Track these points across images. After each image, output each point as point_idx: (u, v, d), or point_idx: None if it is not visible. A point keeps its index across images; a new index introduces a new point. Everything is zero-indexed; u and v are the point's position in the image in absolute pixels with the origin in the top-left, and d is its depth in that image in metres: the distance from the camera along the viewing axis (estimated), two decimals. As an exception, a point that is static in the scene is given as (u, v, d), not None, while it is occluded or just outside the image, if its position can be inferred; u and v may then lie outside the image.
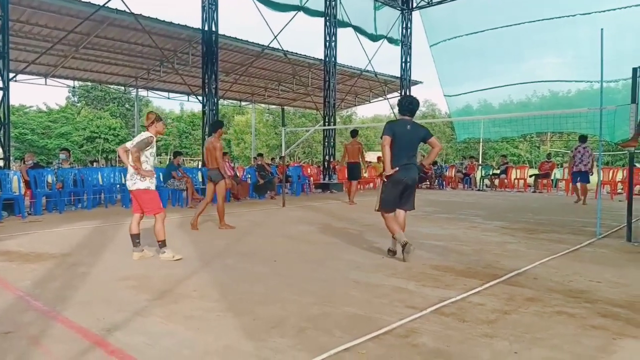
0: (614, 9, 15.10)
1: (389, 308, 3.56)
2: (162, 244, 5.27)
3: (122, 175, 11.41)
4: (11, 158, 10.24)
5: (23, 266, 4.90)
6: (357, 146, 11.89)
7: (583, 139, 11.71)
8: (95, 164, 41.69)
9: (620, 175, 15.42)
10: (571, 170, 11.99)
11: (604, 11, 15.27)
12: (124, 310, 3.48)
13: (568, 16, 16.07)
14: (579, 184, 11.87)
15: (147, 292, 3.97)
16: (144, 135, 5.24)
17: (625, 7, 14.83)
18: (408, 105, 5.36)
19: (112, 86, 25.65)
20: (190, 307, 3.58)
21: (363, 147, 12.60)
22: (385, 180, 5.25)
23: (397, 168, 5.13)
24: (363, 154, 12.15)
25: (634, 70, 6.32)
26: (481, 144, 23.92)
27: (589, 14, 15.58)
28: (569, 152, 12.75)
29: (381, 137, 5.28)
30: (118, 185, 11.27)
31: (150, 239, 5.61)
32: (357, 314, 3.43)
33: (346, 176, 12.94)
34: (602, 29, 6.54)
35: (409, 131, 5.20)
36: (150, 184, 5.24)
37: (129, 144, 5.31)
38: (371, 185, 18.37)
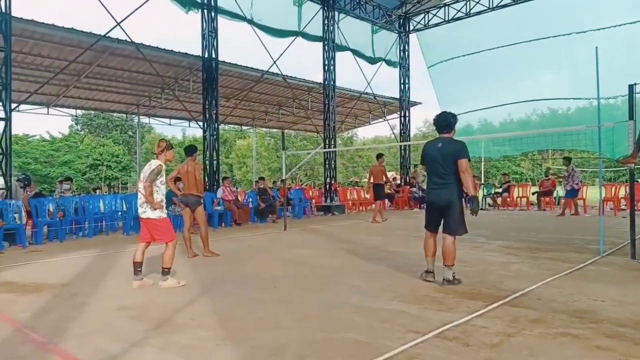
0: (609, 27, 15.28)
1: (391, 333, 3.50)
2: (167, 271, 5.24)
3: (124, 203, 11.44)
4: (15, 184, 10.23)
5: (22, 297, 4.86)
6: (380, 168, 12.71)
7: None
8: (98, 191, 41.84)
9: (623, 191, 15.36)
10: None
11: (598, 29, 15.45)
12: (122, 341, 3.43)
13: (564, 35, 16.27)
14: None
15: (146, 321, 3.92)
16: (153, 164, 5.26)
17: (619, 25, 15.02)
18: (438, 121, 5.24)
19: (114, 114, 25.87)
20: (188, 336, 3.53)
21: (385, 168, 13.49)
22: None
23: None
24: (386, 175, 13.10)
25: (630, 87, 6.35)
26: (482, 162, 23.88)
27: (585, 32, 15.76)
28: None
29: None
30: (119, 213, 11.27)
31: (153, 267, 5.58)
32: (359, 339, 3.37)
33: (373, 197, 13.82)
34: (596, 47, 6.60)
35: (439, 149, 5.03)
36: (161, 212, 5.28)
37: (141, 176, 5.35)
38: (373, 206, 18.27)
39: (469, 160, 5.00)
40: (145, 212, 5.25)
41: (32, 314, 4.22)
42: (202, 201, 7.46)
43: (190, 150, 7.62)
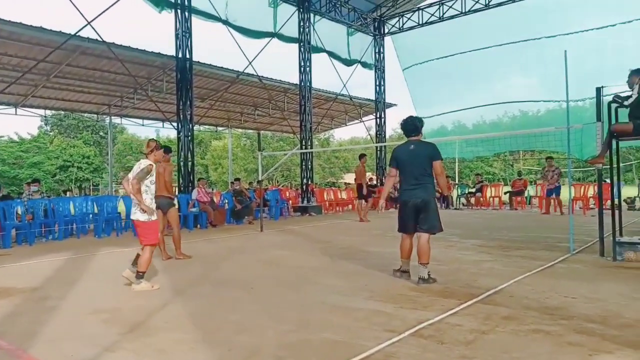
0: (578, 32, 15.71)
1: (368, 332, 3.52)
2: (142, 275, 5.16)
3: (95, 205, 11.20)
4: None
5: (-12, 302, 4.71)
6: (361, 168, 13.14)
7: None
8: (68, 193, 40.85)
9: (591, 191, 15.79)
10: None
11: (568, 34, 15.87)
12: (94, 346, 3.35)
13: (534, 39, 16.65)
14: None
15: (118, 325, 3.84)
16: (143, 164, 5.23)
17: (588, 30, 15.47)
18: (405, 125, 5.34)
19: (85, 114, 25.31)
20: (162, 339, 3.48)
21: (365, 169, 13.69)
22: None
23: (383, 201, 5.56)
24: (364, 175, 13.38)
25: (597, 90, 6.54)
26: (457, 163, 24.27)
27: (554, 36, 16.17)
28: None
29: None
30: (91, 215, 11.03)
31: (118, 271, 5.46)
32: (336, 339, 3.38)
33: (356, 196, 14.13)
34: (565, 51, 6.77)
35: (412, 151, 5.16)
36: (150, 215, 5.24)
37: (130, 175, 5.30)
38: (349, 207, 18.39)
39: (442, 160, 5.20)
40: (135, 213, 5.24)
41: (0, 319, 4.09)
42: (174, 203, 7.33)
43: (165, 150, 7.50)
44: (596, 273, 5.52)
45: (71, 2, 11.21)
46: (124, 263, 6.01)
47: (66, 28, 12.68)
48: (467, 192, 18.88)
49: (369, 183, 20.45)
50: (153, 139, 5.75)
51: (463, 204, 18.17)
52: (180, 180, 13.60)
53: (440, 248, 7.62)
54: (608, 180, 7.23)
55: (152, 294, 4.91)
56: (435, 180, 5.20)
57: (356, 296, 4.62)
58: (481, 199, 17.68)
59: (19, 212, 9.82)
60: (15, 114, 18.89)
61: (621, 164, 9.09)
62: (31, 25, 11.70)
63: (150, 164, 5.24)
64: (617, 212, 6.90)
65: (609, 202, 7.97)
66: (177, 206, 7.43)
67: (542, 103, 17.59)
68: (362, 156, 13.45)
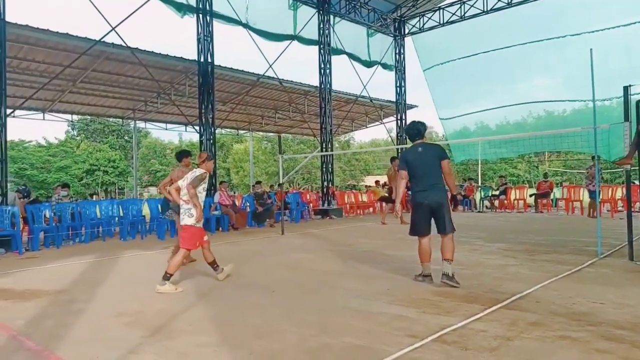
0: (603, 29, 15.35)
1: (389, 337, 3.48)
2: (169, 277, 5.23)
3: (121, 208, 11.39)
4: (14, 196, 10.17)
5: (17, 304, 4.82)
6: (393, 172, 12.68)
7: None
8: (95, 196, 41.69)
9: (619, 193, 15.40)
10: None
11: (592, 32, 15.52)
12: (118, 348, 3.40)
13: (558, 37, 16.34)
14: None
15: (142, 328, 3.89)
16: (198, 172, 5.45)
17: (613, 27, 15.10)
18: (409, 130, 5.44)
19: (110, 119, 25.84)
20: (184, 342, 3.50)
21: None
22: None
23: (399, 205, 5.56)
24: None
25: (625, 88, 6.37)
26: (479, 165, 23.95)
27: (579, 34, 15.83)
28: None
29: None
30: (116, 218, 11.23)
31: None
32: (357, 344, 3.35)
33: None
34: (591, 49, 6.62)
35: (421, 153, 5.23)
36: (195, 221, 5.40)
37: (180, 183, 5.52)
38: (370, 210, 18.30)
39: (449, 160, 5.27)
40: (183, 219, 5.42)
41: (28, 321, 4.19)
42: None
43: (178, 155, 7.55)
44: (625, 278, 5.35)
45: (96, 8, 11.47)
46: (147, 266, 6.11)
47: (91, 34, 12.96)
48: (490, 194, 18.59)
49: (390, 185, 20.41)
50: (205, 151, 6.08)
51: (487, 207, 17.89)
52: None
53: (464, 252, 7.51)
54: (637, 182, 7.02)
55: (175, 297, 4.95)
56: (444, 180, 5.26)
57: (377, 300, 4.58)
58: (505, 201, 17.38)
59: (47, 215, 10.05)
60: (43, 119, 19.44)
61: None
62: (58, 32, 12.00)
63: (204, 172, 5.47)
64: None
65: (637, 204, 7.74)
66: None
67: (568, 103, 17.23)
68: (393, 159, 13.07)
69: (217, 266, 5.66)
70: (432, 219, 5.22)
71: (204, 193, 5.59)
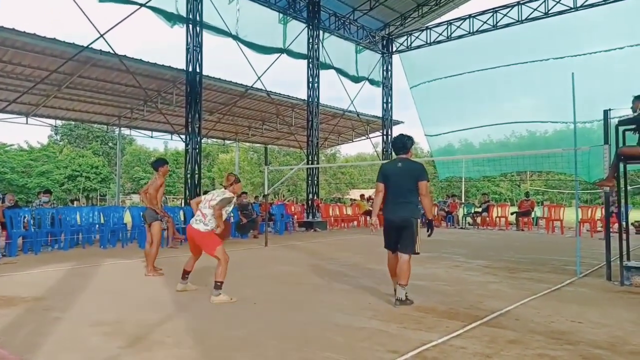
0: (585, 54, 15.78)
1: (370, 353, 3.48)
2: (219, 285, 5.25)
3: (102, 215, 11.24)
4: None
5: (-8, 311, 4.71)
6: None
7: None
8: (75, 202, 41.00)
9: (599, 213, 15.66)
10: None
11: (575, 55, 15.95)
12: (95, 359, 3.34)
13: (541, 60, 16.74)
14: None
15: (120, 338, 3.82)
16: (227, 194, 5.52)
17: (595, 52, 15.53)
18: (395, 142, 5.36)
19: (95, 125, 25.59)
20: (163, 354, 3.45)
21: None
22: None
23: (375, 218, 5.36)
24: None
25: (605, 112, 6.53)
26: (463, 182, 24.20)
27: (562, 58, 16.25)
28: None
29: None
30: (97, 225, 11.07)
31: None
32: (338, 359, 3.34)
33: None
34: (572, 73, 6.79)
35: (400, 169, 5.11)
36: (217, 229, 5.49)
37: (208, 197, 5.59)
38: (355, 223, 18.33)
39: (428, 181, 5.10)
40: (199, 226, 5.48)
41: (3, 329, 4.09)
42: (158, 217, 7.10)
43: (155, 164, 7.47)
44: (603, 297, 5.45)
45: (85, 15, 11.41)
46: (127, 275, 6.03)
47: (79, 40, 12.89)
48: (473, 211, 18.79)
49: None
50: (232, 173, 6.03)
51: (469, 224, 18.07)
52: (187, 193, 13.64)
53: (446, 268, 7.57)
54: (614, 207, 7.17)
55: (155, 308, 4.89)
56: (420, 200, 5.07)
57: (359, 315, 4.58)
58: (487, 218, 17.57)
59: (26, 220, 9.87)
60: (26, 123, 19.12)
61: (629, 187, 9.01)
62: (45, 37, 11.91)
63: (233, 196, 5.58)
64: (624, 235, 6.82)
65: (616, 225, 7.89)
66: (161, 222, 7.24)
67: (550, 124, 17.59)
68: None
69: (186, 277, 5.70)
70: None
71: (225, 214, 5.62)
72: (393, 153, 5.44)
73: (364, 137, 26.62)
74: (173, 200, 42.08)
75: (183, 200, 13.22)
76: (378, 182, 5.27)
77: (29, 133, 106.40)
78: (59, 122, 23.34)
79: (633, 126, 6.08)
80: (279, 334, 3.96)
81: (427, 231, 5.18)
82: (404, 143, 5.29)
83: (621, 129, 6.39)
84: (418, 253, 5.06)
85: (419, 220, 5.13)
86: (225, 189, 5.67)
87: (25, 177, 40.25)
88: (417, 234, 5.01)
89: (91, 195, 47.70)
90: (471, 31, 18.63)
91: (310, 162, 17.29)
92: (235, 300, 5.17)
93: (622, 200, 6.71)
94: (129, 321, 4.36)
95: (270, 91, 17.68)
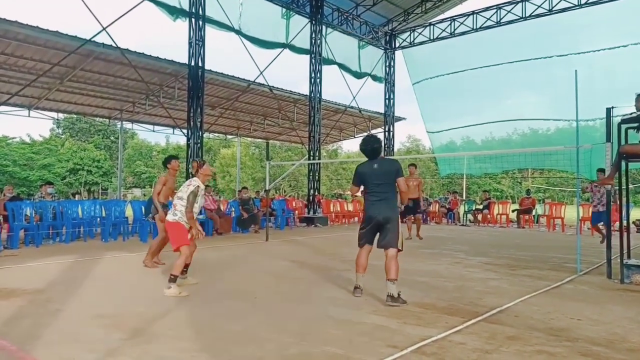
0: (588, 52, 15.72)
1: (369, 347, 3.49)
2: (173, 279, 5.21)
3: (103, 209, 11.27)
4: None
5: (-7, 303, 4.74)
6: (413, 180, 10.99)
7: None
8: (77, 196, 41.08)
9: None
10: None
11: (578, 53, 15.88)
12: (95, 351, 3.36)
13: (545, 57, 16.68)
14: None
15: (121, 330, 3.84)
16: (192, 186, 5.42)
17: (598, 50, 15.47)
18: (365, 149, 5.26)
19: (97, 118, 25.56)
20: (164, 347, 3.47)
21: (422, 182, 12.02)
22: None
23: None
24: (420, 188, 11.38)
25: (607, 110, 6.51)
26: (464, 179, 24.19)
27: (565, 55, 16.18)
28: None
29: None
30: (98, 219, 11.09)
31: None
32: (337, 353, 3.36)
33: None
34: (576, 71, 6.77)
35: (376, 169, 5.14)
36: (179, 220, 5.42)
37: (179, 194, 5.53)
38: (355, 219, 18.34)
39: (403, 177, 5.17)
40: (167, 215, 5.50)
41: (4, 320, 4.11)
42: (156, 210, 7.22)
43: (163, 162, 7.64)
44: (603, 295, 5.45)
45: (87, 8, 11.40)
46: (128, 268, 6.05)
47: (81, 33, 12.87)
48: (474, 208, 18.79)
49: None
50: (196, 159, 6.24)
51: (470, 221, 18.08)
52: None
53: (446, 264, 7.58)
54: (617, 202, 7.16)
55: (156, 301, 4.91)
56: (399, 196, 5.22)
57: (359, 310, 4.59)
58: (488, 216, 17.57)
59: (28, 213, 9.90)
60: (29, 116, 19.13)
61: (631, 186, 8.98)
62: (47, 29, 11.88)
63: (197, 187, 5.47)
64: (625, 233, 6.82)
65: (617, 223, 7.88)
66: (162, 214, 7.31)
67: (553, 122, 17.56)
68: (412, 165, 11.66)
69: (185, 272, 5.62)
70: (378, 233, 5.14)
71: (198, 205, 5.58)
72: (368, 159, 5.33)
73: (366, 134, 26.59)
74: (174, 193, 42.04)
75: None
76: (353, 184, 5.35)
77: (31, 126, 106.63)
78: (61, 115, 23.25)
79: (636, 124, 6.06)
80: (279, 327, 3.97)
81: (403, 220, 5.17)
82: (374, 149, 5.24)
83: (624, 127, 6.37)
84: (401, 250, 5.10)
85: (397, 217, 5.20)
86: (193, 176, 5.69)
87: (27, 170, 40.31)
88: (398, 229, 5.08)
89: (93, 189, 47.78)
90: (474, 27, 18.56)
91: (311, 157, 17.29)
92: (187, 295, 5.12)
93: (624, 199, 6.70)
94: (130, 314, 4.38)
95: (273, 86, 17.65)
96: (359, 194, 6.41)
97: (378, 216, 5.07)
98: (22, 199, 12.33)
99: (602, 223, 10.23)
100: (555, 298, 5.25)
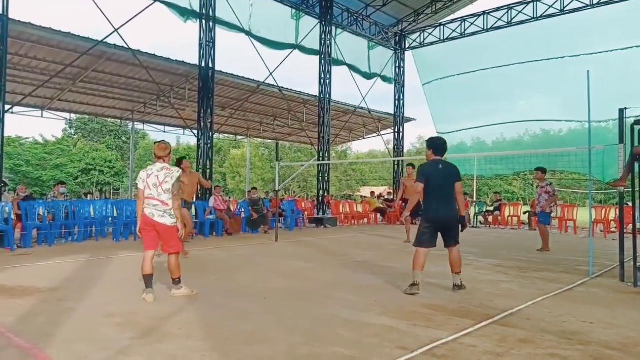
0: (601, 52, 15.55)
1: (379, 349, 3.49)
2: (178, 281, 5.16)
3: (115, 208, 11.36)
4: (5, 189, 10.14)
5: (8, 301, 4.80)
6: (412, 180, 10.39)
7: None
8: (89, 196, 41.47)
9: (613, 214, 15.48)
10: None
11: (591, 54, 15.72)
12: (107, 349, 3.39)
13: (557, 58, 16.52)
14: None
15: (132, 329, 3.88)
16: (174, 172, 5.11)
17: (611, 51, 15.29)
18: (440, 145, 5.62)
19: (108, 119, 25.79)
20: (174, 346, 3.49)
21: None
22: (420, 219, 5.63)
23: (408, 213, 6.20)
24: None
25: (620, 111, 6.44)
26: (475, 180, 24.01)
27: (577, 56, 16.02)
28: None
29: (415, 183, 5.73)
30: (110, 218, 11.19)
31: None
32: (347, 354, 3.35)
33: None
34: (588, 71, 6.70)
35: (441, 170, 5.46)
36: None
37: (151, 180, 5.06)
38: (365, 220, 18.31)
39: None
40: (164, 217, 4.97)
41: (18, 318, 4.17)
42: (183, 205, 7.27)
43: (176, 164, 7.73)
44: (615, 298, 5.39)
45: (99, 9, 11.51)
46: (139, 267, 6.06)
47: (93, 34, 13.01)
48: (485, 210, 18.66)
49: (385, 197, 20.43)
50: (161, 142, 5.44)
51: (480, 222, 17.96)
52: (198, 187, 13.71)
53: (456, 266, 7.53)
54: (629, 204, 7.07)
55: (166, 300, 4.94)
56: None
57: (369, 311, 4.59)
58: (499, 217, 17.45)
59: (41, 212, 10.02)
60: (42, 117, 19.37)
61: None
62: (60, 31, 12.02)
63: (180, 172, 5.31)
64: (638, 236, 6.73)
65: (630, 226, 7.78)
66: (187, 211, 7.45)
67: (565, 123, 17.38)
68: (414, 167, 10.94)
69: (150, 283, 5.01)
70: (440, 234, 5.46)
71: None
72: (431, 154, 5.65)
73: (375, 134, 26.55)
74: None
75: (195, 196, 13.27)
76: (418, 181, 5.53)
77: (44, 126, 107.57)
78: (73, 116, 23.51)
79: None
80: (288, 328, 3.98)
81: (460, 228, 5.59)
82: (445, 147, 5.65)
83: (637, 128, 6.28)
84: (413, 243, 5.58)
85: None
86: (163, 161, 5.12)
87: (40, 170, 40.79)
88: (459, 227, 5.59)
89: (104, 189, 48.20)
90: (485, 28, 18.44)
91: (321, 158, 17.29)
92: (197, 293, 5.16)
93: (637, 201, 6.61)
94: (141, 313, 4.41)
95: (282, 87, 17.69)
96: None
97: (442, 217, 5.40)
98: (35, 198, 12.48)
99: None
100: (567, 301, 5.20)
